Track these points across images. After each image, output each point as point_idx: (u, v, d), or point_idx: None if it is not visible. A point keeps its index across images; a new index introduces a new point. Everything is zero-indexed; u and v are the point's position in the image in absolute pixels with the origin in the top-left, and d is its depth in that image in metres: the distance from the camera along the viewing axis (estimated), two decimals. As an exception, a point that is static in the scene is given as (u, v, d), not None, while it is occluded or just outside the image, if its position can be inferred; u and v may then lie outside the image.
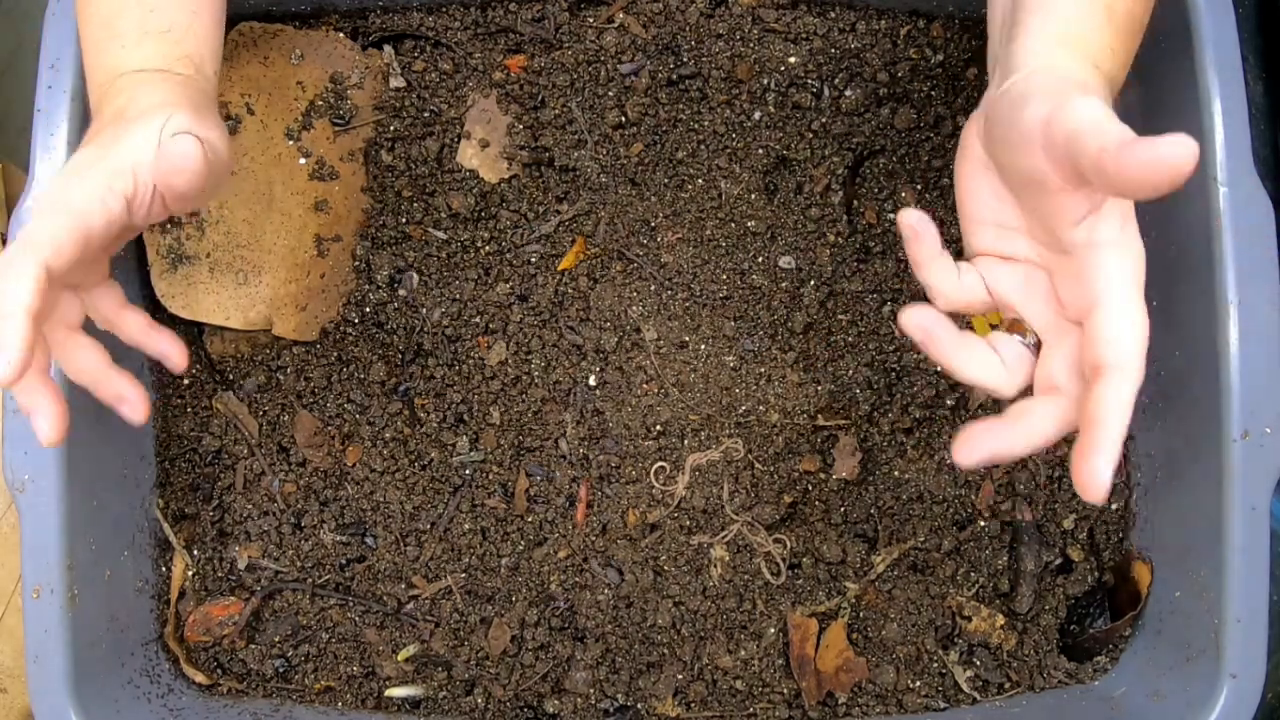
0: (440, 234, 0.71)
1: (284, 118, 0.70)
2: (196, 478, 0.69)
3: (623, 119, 0.71)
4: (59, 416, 0.50)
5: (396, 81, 0.72)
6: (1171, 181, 0.39)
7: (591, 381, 0.70)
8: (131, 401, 0.54)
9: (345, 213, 0.71)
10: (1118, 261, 0.47)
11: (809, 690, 0.66)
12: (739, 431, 0.69)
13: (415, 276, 0.71)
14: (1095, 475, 0.45)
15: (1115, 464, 0.45)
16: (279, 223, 0.69)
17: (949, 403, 0.70)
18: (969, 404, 0.70)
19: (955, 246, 0.68)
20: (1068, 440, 0.70)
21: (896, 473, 0.70)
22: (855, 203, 0.72)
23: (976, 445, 0.49)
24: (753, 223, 0.71)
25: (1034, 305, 0.52)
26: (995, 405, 0.70)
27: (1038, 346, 0.52)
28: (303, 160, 0.70)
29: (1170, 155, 0.39)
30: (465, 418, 0.70)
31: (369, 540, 0.69)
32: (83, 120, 0.60)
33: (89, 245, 0.48)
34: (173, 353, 0.56)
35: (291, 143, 0.70)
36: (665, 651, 0.67)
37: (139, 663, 0.65)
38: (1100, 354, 0.47)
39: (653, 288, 0.71)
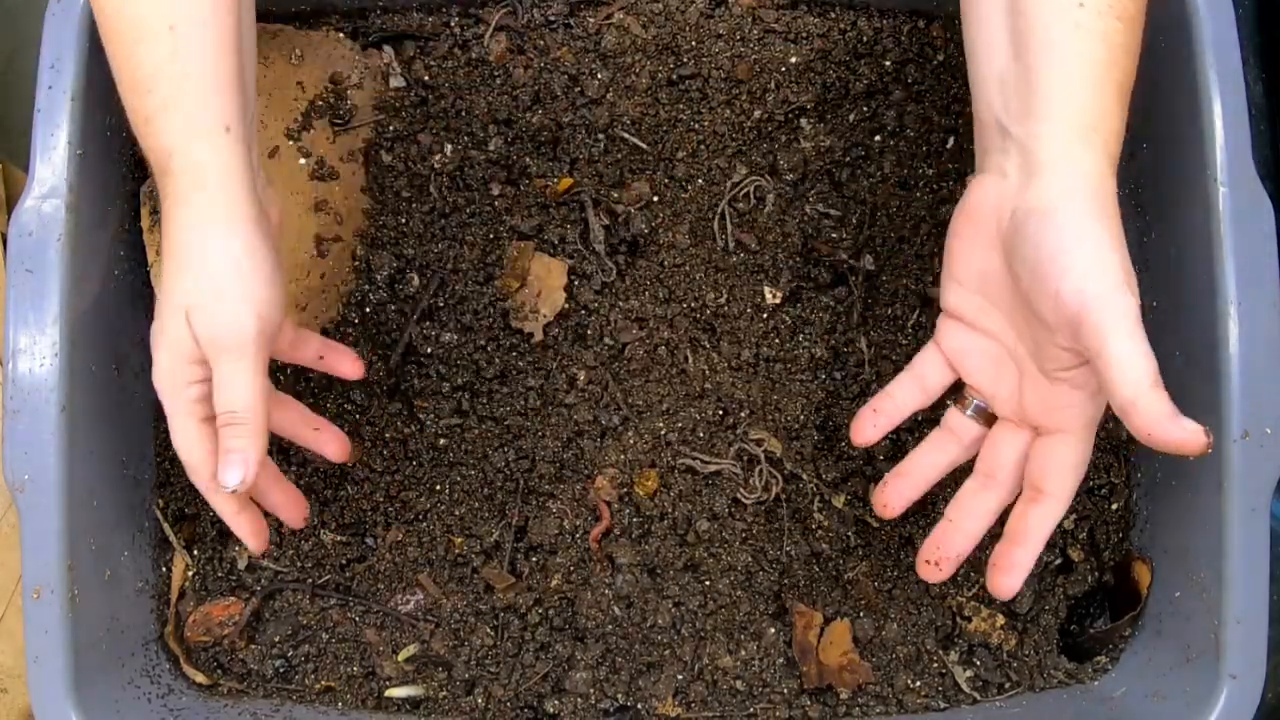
0: (440, 234, 0.71)
1: (284, 118, 0.70)
2: (196, 478, 0.69)
3: (623, 119, 0.71)
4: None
5: (396, 81, 0.72)
6: (1182, 453, 0.46)
7: (588, 381, 0.70)
8: (331, 440, 0.62)
9: (345, 213, 0.70)
10: (1081, 419, 0.52)
11: (809, 675, 0.66)
12: (737, 437, 0.69)
13: (415, 277, 0.71)
14: (1007, 586, 0.55)
15: (1027, 575, 0.55)
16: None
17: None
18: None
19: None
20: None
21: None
22: (855, 203, 0.72)
23: (945, 560, 0.58)
24: (753, 223, 0.71)
25: (1001, 389, 0.56)
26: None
27: (983, 414, 0.57)
28: (302, 160, 0.70)
29: (1183, 445, 0.45)
30: (465, 418, 0.70)
31: (369, 540, 0.69)
32: (83, 120, 0.60)
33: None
34: (349, 366, 0.63)
35: (291, 143, 0.70)
36: (665, 651, 0.67)
37: (139, 663, 0.65)
38: (1044, 481, 0.54)
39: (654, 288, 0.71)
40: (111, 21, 0.51)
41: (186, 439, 0.54)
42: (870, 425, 0.59)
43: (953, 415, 0.58)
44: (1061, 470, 0.53)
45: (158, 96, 0.50)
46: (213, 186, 0.51)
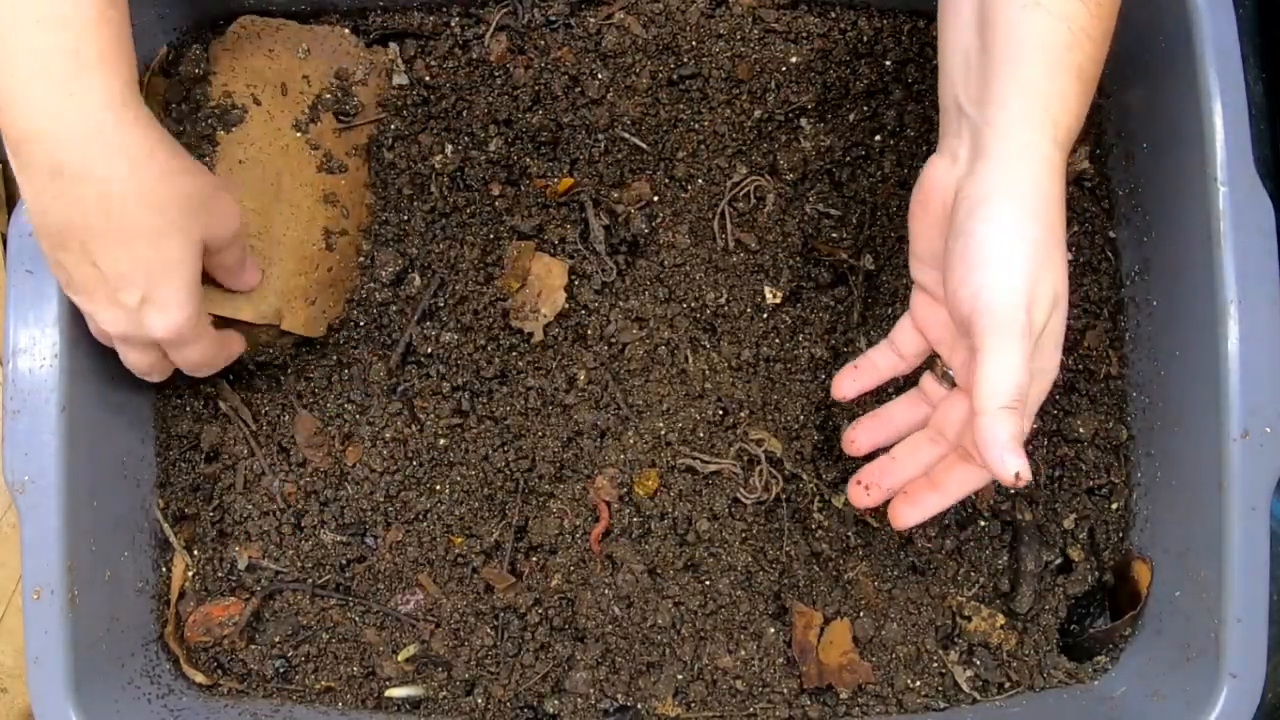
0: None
1: (291, 110, 0.69)
2: (196, 478, 0.69)
3: (623, 119, 0.71)
4: None
5: (400, 79, 0.72)
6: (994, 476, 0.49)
7: (587, 381, 0.70)
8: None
9: (351, 207, 0.70)
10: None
11: (809, 675, 0.66)
12: (737, 437, 0.69)
13: (416, 276, 0.71)
14: (906, 517, 0.57)
15: (927, 518, 0.57)
16: (288, 214, 0.67)
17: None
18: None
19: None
20: (1069, 440, 0.70)
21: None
22: (855, 203, 0.72)
23: (876, 489, 0.59)
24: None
25: (956, 359, 0.57)
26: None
27: (953, 381, 0.58)
28: (311, 152, 0.69)
29: (996, 473, 0.48)
30: (465, 418, 0.70)
31: (369, 540, 0.69)
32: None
33: None
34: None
35: (299, 134, 0.69)
36: (665, 651, 0.67)
37: (139, 663, 0.65)
38: (975, 446, 0.54)
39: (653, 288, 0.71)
40: None
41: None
42: (849, 380, 0.61)
43: (927, 379, 0.60)
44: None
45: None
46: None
